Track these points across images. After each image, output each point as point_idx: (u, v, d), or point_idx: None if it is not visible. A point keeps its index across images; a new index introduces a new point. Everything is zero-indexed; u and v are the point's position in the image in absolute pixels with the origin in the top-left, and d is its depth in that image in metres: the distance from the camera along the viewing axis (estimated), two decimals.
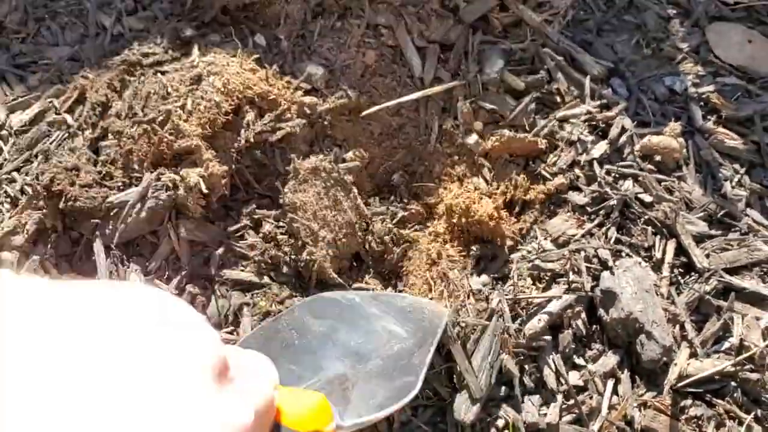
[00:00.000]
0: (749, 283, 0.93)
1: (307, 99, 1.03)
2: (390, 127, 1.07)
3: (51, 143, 1.02)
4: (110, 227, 0.93)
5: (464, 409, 0.82)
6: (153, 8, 1.17)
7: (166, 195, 0.92)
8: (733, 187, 1.03)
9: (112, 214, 0.94)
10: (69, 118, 1.05)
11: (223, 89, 0.98)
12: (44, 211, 0.94)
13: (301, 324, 0.83)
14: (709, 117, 1.10)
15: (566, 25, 1.16)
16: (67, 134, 1.03)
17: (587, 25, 1.18)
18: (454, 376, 0.85)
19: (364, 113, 1.04)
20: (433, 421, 0.85)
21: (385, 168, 1.07)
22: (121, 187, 0.96)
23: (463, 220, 0.96)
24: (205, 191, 0.91)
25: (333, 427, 0.61)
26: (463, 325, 0.87)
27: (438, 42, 1.10)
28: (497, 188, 1.02)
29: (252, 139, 0.98)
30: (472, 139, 1.04)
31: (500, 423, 0.84)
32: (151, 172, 0.94)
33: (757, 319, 0.90)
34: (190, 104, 0.97)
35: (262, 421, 0.44)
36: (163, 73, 1.05)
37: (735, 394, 0.85)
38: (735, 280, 0.93)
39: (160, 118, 0.96)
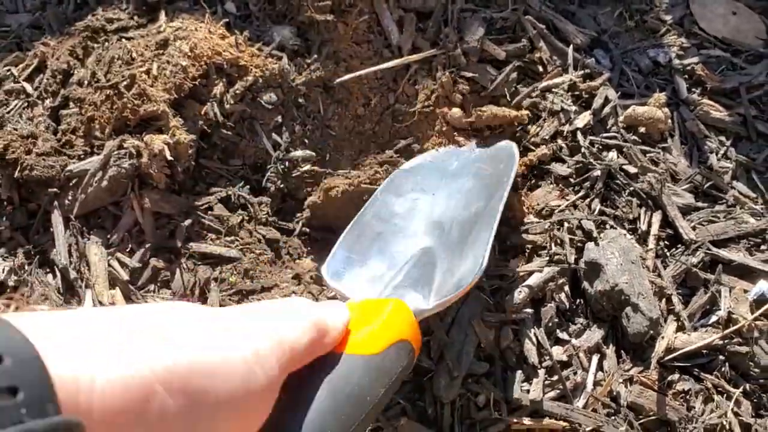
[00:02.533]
0: (737, 255, 0.90)
1: (279, 68, 0.98)
2: (366, 98, 1.03)
3: (8, 112, 0.96)
4: (69, 198, 0.88)
5: (444, 386, 0.78)
6: None
7: (129, 163, 0.87)
8: (719, 160, 1.00)
9: (71, 184, 0.89)
10: (28, 87, 0.99)
11: (190, 53, 0.93)
12: None
13: (384, 209, 0.85)
14: (694, 89, 1.07)
15: None
16: (26, 103, 0.98)
17: None
18: (432, 350, 0.80)
19: (337, 80, 1.00)
20: (412, 397, 0.81)
21: (362, 142, 1.03)
22: (82, 156, 0.91)
23: None
24: (170, 158, 0.87)
25: (417, 318, 0.64)
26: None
27: (415, 10, 1.06)
28: None
29: (221, 113, 0.94)
30: (454, 111, 0.99)
31: (481, 399, 0.80)
32: (114, 140, 0.89)
33: (745, 291, 0.87)
34: (155, 69, 0.92)
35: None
36: (128, 39, 1.00)
37: (723, 368, 0.82)
38: (722, 253, 0.90)
39: (124, 82, 0.91)
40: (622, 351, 0.84)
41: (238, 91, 0.96)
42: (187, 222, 0.89)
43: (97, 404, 0.29)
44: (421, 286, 0.72)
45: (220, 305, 0.84)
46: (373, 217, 0.84)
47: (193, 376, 0.34)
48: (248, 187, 0.96)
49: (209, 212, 0.92)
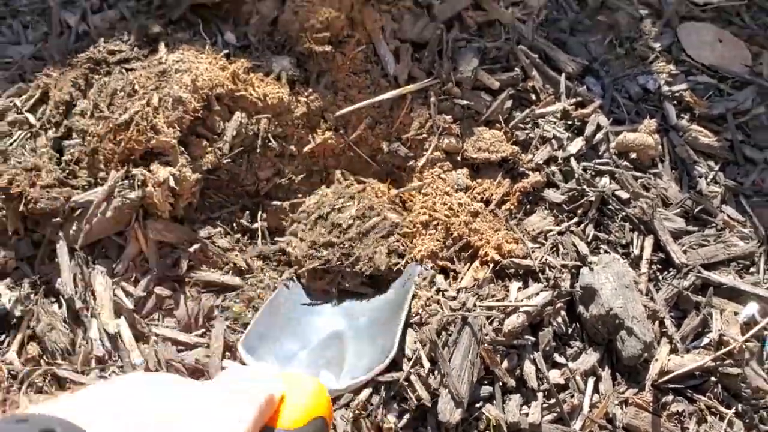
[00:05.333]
0: (727, 278, 0.93)
1: (279, 97, 1.00)
2: (364, 128, 1.05)
3: (12, 143, 0.98)
4: (74, 228, 0.90)
5: (449, 411, 0.79)
6: (119, 6, 1.14)
7: (134, 194, 0.89)
8: (708, 184, 1.03)
9: (76, 214, 0.90)
10: (31, 118, 1.01)
11: (191, 86, 0.95)
12: (3, 212, 0.90)
13: (297, 292, 0.92)
14: (682, 115, 1.10)
15: (540, 24, 1.15)
16: (29, 134, 0.99)
17: (561, 25, 1.18)
18: (432, 377, 0.82)
19: (337, 113, 1.02)
20: (414, 425, 0.82)
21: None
22: (86, 187, 0.92)
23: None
24: (174, 187, 0.88)
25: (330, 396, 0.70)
26: (442, 323, 0.84)
27: (411, 40, 1.08)
28: (476, 189, 1.01)
29: (224, 149, 0.96)
30: (449, 140, 1.02)
31: (482, 425, 0.81)
32: (118, 170, 0.91)
33: (735, 313, 0.90)
34: (156, 101, 0.94)
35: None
36: (129, 70, 1.02)
37: (716, 390, 0.85)
38: (713, 276, 0.92)
39: (126, 116, 0.93)
40: (617, 373, 0.86)
41: (239, 122, 0.98)
42: (191, 250, 0.91)
43: None
44: (332, 366, 0.78)
45: (225, 337, 0.85)
46: (285, 300, 0.90)
47: None
48: (248, 212, 0.98)
49: (211, 240, 0.93)
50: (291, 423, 0.58)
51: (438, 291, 0.89)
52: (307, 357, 0.80)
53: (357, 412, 0.79)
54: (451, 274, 0.94)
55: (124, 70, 1.02)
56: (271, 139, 1.00)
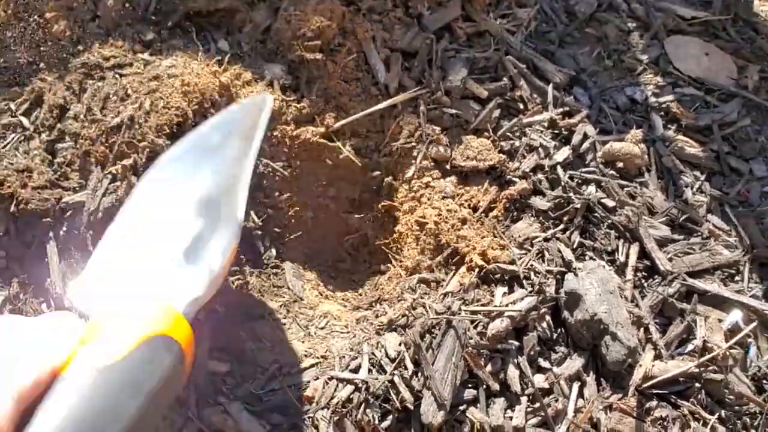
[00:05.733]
0: (711, 286, 0.93)
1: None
2: (354, 134, 1.06)
3: (5, 146, 0.99)
4: (64, 229, 0.90)
5: (431, 413, 0.80)
6: (115, 12, 1.15)
7: (124, 191, 0.90)
8: (694, 194, 1.04)
9: (66, 215, 0.91)
10: (25, 121, 1.02)
11: (182, 90, 0.96)
12: None
13: (143, 210, 0.73)
14: (669, 126, 1.12)
15: (529, 36, 1.17)
16: (23, 137, 1.00)
17: (549, 36, 1.19)
18: (415, 380, 0.82)
19: (334, 126, 1.03)
20: (398, 427, 0.83)
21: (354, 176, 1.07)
22: (77, 189, 0.93)
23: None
24: None
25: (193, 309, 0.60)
26: (426, 326, 0.85)
27: (401, 50, 1.10)
28: (464, 196, 1.02)
29: None
30: (438, 148, 1.03)
31: (466, 428, 0.82)
32: (108, 171, 0.92)
33: (720, 321, 0.91)
34: (148, 105, 0.95)
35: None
36: (123, 75, 1.03)
37: (699, 396, 0.85)
38: (698, 283, 0.93)
39: (118, 119, 0.94)
40: (602, 379, 0.87)
41: None
42: None
43: None
44: (189, 262, 0.65)
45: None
46: (130, 225, 0.71)
47: None
48: None
49: None
50: (99, 356, 0.46)
51: (423, 294, 0.90)
52: (156, 284, 0.63)
53: (338, 410, 0.79)
54: (437, 280, 0.95)
55: (117, 75, 1.04)
56: None
